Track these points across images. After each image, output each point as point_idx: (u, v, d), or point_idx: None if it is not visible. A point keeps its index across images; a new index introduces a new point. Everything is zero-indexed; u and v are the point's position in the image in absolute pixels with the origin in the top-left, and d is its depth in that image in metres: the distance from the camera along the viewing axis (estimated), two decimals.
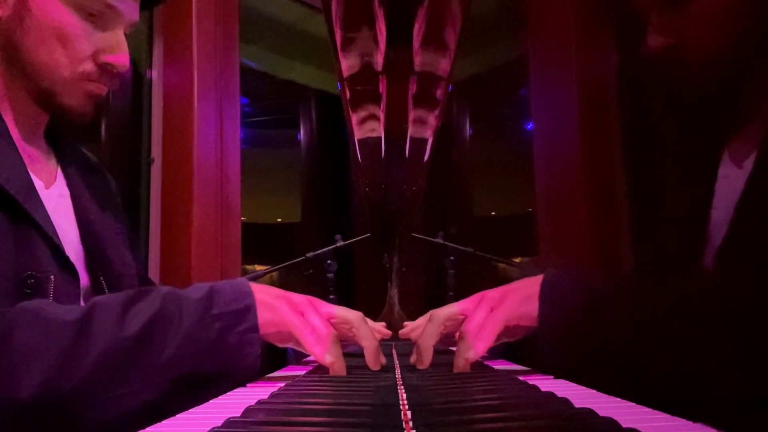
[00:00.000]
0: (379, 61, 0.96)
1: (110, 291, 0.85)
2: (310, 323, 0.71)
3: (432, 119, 1.20)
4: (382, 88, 1.05)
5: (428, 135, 1.33)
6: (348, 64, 0.95)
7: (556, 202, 1.72)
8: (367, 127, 1.25)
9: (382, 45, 0.90)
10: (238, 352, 0.66)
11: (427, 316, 0.81)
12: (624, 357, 0.64)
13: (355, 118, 1.20)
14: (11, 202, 0.73)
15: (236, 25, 1.97)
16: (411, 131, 1.22)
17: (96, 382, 0.59)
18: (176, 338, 0.63)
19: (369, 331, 0.74)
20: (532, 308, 0.71)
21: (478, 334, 0.72)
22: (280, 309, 0.70)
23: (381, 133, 1.24)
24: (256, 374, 0.70)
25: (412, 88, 1.06)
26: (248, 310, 0.68)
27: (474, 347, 0.72)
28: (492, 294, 0.76)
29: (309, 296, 0.76)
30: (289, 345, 0.75)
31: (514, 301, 0.73)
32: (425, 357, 0.75)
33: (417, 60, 0.96)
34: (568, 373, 0.62)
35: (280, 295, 0.72)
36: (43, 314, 0.61)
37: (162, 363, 0.62)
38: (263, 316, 0.69)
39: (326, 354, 0.70)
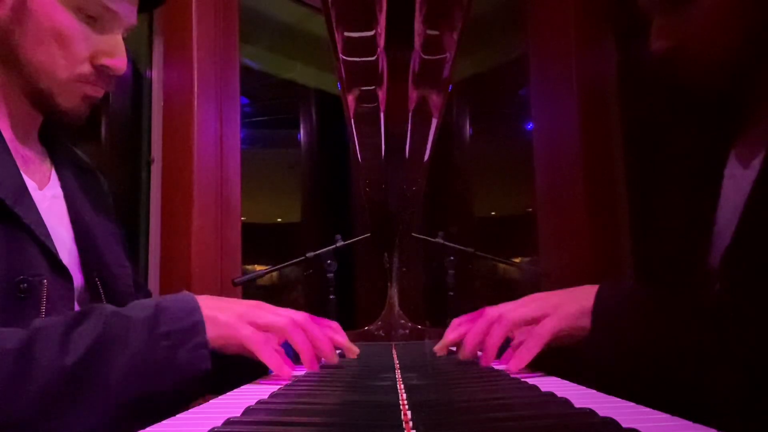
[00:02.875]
0: (378, 59, 0.96)
1: (106, 292, 0.85)
2: (261, 332, 0.70)
3: (433, 114, 1.20)
4: (382, 86, 1.04)
5: (429, 133, 1.33)
6: (347, 62, 0.95)
7: (556, 202, 1.72)
8: (367, 126, 1.25)
9: (382, 42, 0.90)
10: (189, 370, 0.64)
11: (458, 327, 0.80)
12: (673, 375, 0.64)
13: (354, 118, 1.20)
14: (1, 205, 0.72)
15: (236, 25, 1.96)
16: (411, 127, 1.22)
17: (39, 412, 0.57)
18: (122, 360, 0.61)
19: (302, 338, 0.73)
20: (586, 322, 0.70)
21: (524, 344, 0.71)
22: (228, 321, 0.69)
23: (381, 132, 1.24)
24: (209, 388, 0.68)
25: (412, 86, 1.06)
26: (196, 325, 0.66)
27: (516, 356, 0.71)
28: (544, 300, 0.74)
29: (255, 302, 0.75)
30: (244, 353, 0.73)
31: (570, 312, 0.71)
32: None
33: (417, 57, 0.96)
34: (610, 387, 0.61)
35: (226, 307, 0.71)
36: None
37: (109, 387, 0.60)
38: (213, 331, 0.67)
39: (284, 366, 0.69)
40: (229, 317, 0.69)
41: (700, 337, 0.62)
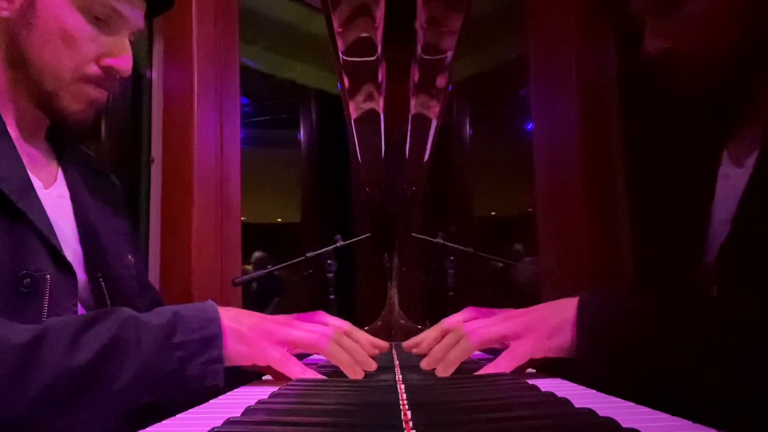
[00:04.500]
0: (379, 59, 0.96)
1: (109, 291, 0.85)
2: (284, 351, 0.68)
3: (433, 114, 1.20)
4: (383, 86, 1.04)
5: (429, 133, 1.33)
6: (348, 62, 0.95)
7: (556, 202, 1.71)
8: (367, 126, 1.25)
9: (382, 42, 0.90)
10: (199, 384, 0.62)
11: (436, 327, 0.80)
12: (664, 375, 0.63)
13: (354, 117, 1.20)
14: (6, 201, 0.72)
15: (236, 25, 1.96)
16: (411, 127, 1.22)
17: (41, 411, 0.56)
18: (132, 367, 0.59)
19: (337, 349, 0.70)
20: (563, 339, 0.68)
21: (495, 361, 0.70)
22: (258, 343, 0.66)
23: (381, 132, 1.24)
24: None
25: (413, 84, 1.06)
26: (213, 339, 0.64)
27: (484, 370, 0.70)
28: (517, 319, 0.72)
29: (283, 317, 0.73)
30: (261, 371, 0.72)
31: (543, 333, 0.69)
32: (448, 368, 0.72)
33: (417, 56, 0.96)
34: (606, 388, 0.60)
35: (255, 326, 0.68)
36: None
37: (114, 393, 0.58)
38: (235, 348, 0.65)
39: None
40: (255, 334, 0.67)
41: (693, 337, 0.62)
